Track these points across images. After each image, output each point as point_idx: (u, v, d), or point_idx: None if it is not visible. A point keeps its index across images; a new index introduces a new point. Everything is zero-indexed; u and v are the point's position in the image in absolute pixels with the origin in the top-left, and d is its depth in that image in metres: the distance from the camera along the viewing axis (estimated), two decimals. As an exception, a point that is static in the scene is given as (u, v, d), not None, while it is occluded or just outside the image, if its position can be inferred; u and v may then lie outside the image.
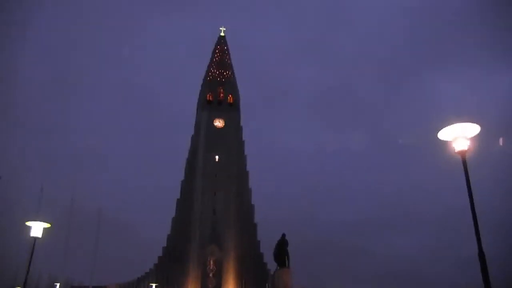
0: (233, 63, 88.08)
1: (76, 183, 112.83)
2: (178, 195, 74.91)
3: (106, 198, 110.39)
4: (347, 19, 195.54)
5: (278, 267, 29.39)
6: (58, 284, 59.52)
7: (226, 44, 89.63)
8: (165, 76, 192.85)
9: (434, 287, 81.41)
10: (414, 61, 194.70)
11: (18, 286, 46.91)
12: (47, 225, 19.59)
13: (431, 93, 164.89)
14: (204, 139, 77.69)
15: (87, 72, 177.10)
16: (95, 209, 60.16)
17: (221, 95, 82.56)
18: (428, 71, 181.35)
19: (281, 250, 29.34)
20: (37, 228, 19.35)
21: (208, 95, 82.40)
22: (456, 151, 10.65)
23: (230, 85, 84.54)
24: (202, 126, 79.31)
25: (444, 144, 11.06)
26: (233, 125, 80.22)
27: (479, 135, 10.67)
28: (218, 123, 79.51)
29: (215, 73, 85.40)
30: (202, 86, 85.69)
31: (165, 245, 71.37)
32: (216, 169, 75.18)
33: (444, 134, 10.80)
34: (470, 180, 10.43)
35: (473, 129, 10.57)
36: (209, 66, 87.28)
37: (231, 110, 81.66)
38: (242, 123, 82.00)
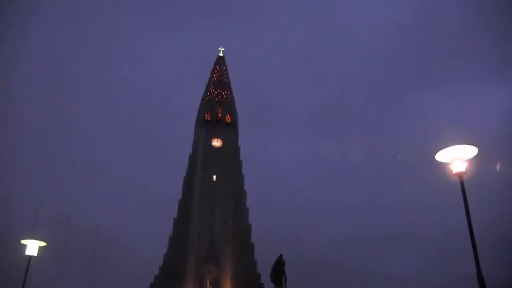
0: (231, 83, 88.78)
1: (72, 202, 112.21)
2: (175, 214, 74.71)
3: (102, 216, 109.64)
4: (341, 36, 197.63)
5: (275, 288, 29.25)
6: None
7: (224, 64, 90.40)
8: (163, 93, 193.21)
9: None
10: (409, 77, 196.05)
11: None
12: (43, 243, 19.47)
13: (426, 109, 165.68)
14: (201, 158, 77.75)
15: (84, 90, 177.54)
16: (91, 228, 60.02)
17: (219, 114, 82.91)
18: (422, 87, 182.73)
19: (278, 271, 29.22)
20: (32, 247, 19.23)
21: (206, 115, 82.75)
22: (453, 173, 10.68)
23: (228, 104, 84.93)
24: (200, 145, 79.49)
25: (442, 164, 11.10)
26: (231, 145, 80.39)
27: (476, 152, 10.72)
28: (216, 142, 79.66)
29: (214, 92, 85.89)
30: (200, 105, 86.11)
31: (162, 264, 70.86)
32: (213, 188, 75.11)
33: (442, 156, 10.84)
34: (468, 201, 10.45)
35: (471, 151, 10.62)
36: (208, 85, 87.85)
37: (229, 130, 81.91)
38: (239, 143, 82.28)
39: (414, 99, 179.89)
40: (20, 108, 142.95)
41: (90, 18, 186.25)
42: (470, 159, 10.72)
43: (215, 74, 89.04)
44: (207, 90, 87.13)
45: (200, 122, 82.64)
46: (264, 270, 57.47)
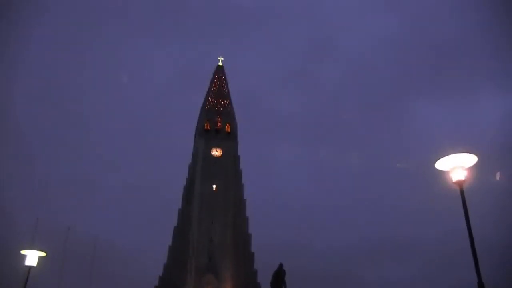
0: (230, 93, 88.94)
1: (71, 213, 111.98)
2: (175, 223, 74.54)
3: (102, 226, 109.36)
4: (334, 46, 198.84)
5: (276, 297, 29.14)
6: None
7: (224, 74, 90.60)
8: (161, 102, 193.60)
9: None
10: (405, 85, 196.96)
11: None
12: (43, 253, 19.43)
13: (426, 118, 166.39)
14: (201, 168, 77.64)
15: (84, 101, 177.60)
16: (90, 238, 59.81)
17: (219, 124, 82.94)
18: (419, 96, 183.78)
19: (278, 280, 29.12)
20: (32, 257, 19.17)
21: (205, 124, 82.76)
22: (453, 181, 10.68)
23: (228, 114, 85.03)
24: (200, 155, 79.46)
25: (441, 172, 11.10)
26: (231, 154, 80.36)
27: (476, 160, 10.72)
28: (216, 152, 79.62)
29: (213, 102, 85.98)
30: (200, 115, 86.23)
31: (161, 274, 70.56)
32: (213, 198, 74.90)
33: (441, 164, 10.85)
34: (468, 210, 10.44)
35: (470, 159, 10.63)
36: (207, 95, 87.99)
37: (228, 139, 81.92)
38: (239, 152, 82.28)
39: (413, 106, 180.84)
40: (21, 121, 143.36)
41: (89, 32, 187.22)
42: (470, 167, 10.73)
43: (214, 84, 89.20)
44: (206, 99, 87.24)
45: (200, 131, 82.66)
46: (264, 279, 57.18)
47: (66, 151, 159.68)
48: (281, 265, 29.81)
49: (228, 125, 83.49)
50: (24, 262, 19.11)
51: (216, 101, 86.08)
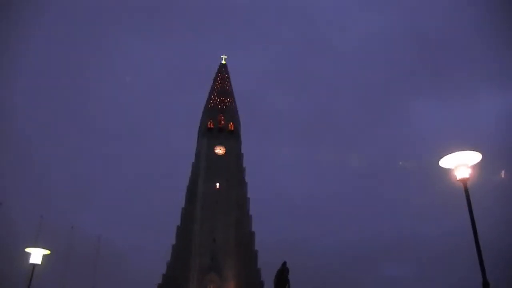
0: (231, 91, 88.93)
1: (75, 211, 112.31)
2: (178, 222, 74.46)
3: (106, 225, 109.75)
4: (332, 46, 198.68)
5: (279, 296, 29.05)
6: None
7: (227, 72, 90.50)
8: (164, 101, 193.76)
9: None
10: (406, 84, 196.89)
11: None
12: (47, 251, 19.49)
13: (428, 116, 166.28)
14: (204, 167, 77.58)
15: (86, 101, 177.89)
16: (94, 236, 59.98)
17: (222, 122, 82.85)
18: (419, 94, 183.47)
19: (282, 278, 29.02)
20: (36, 255, 19.24)
21: (209, 123, 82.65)
22: (457, 179, 10.65)
23: (231, 112, 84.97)
24: (203, 153, 79.35)
25: (445, 170, 11.06)
26: (234, 152, 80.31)
27: (480, 158, 10.66)
28: (219, 150, 79.59)
29: (216, 100, 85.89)
30: (203, 113, 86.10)
31: (165, 272, 70.56)
32: (216, 197, 74.85)
33: (446, 162, 10.81)
34: (473, 208, 10.41)
35: (475, 157, 10.59)
36: (210, 93, 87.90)
37: (231, 138, 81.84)
38: (242, 151, 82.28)
39: (412, 106, 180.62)
40: (21, 120, 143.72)
41: (88, 25, 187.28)
42: (474, 165, 10.69)
43: (218, 82, 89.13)
44: (209, 98, 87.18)
45: (203, 130, 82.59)
46: (268, 277, 57.17)
47: (68, 151, 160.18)
48: (284, 263, 29.69)
49: (231, 123, 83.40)
50: (29, 260, 19.18)
51: (220, 99, 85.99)
